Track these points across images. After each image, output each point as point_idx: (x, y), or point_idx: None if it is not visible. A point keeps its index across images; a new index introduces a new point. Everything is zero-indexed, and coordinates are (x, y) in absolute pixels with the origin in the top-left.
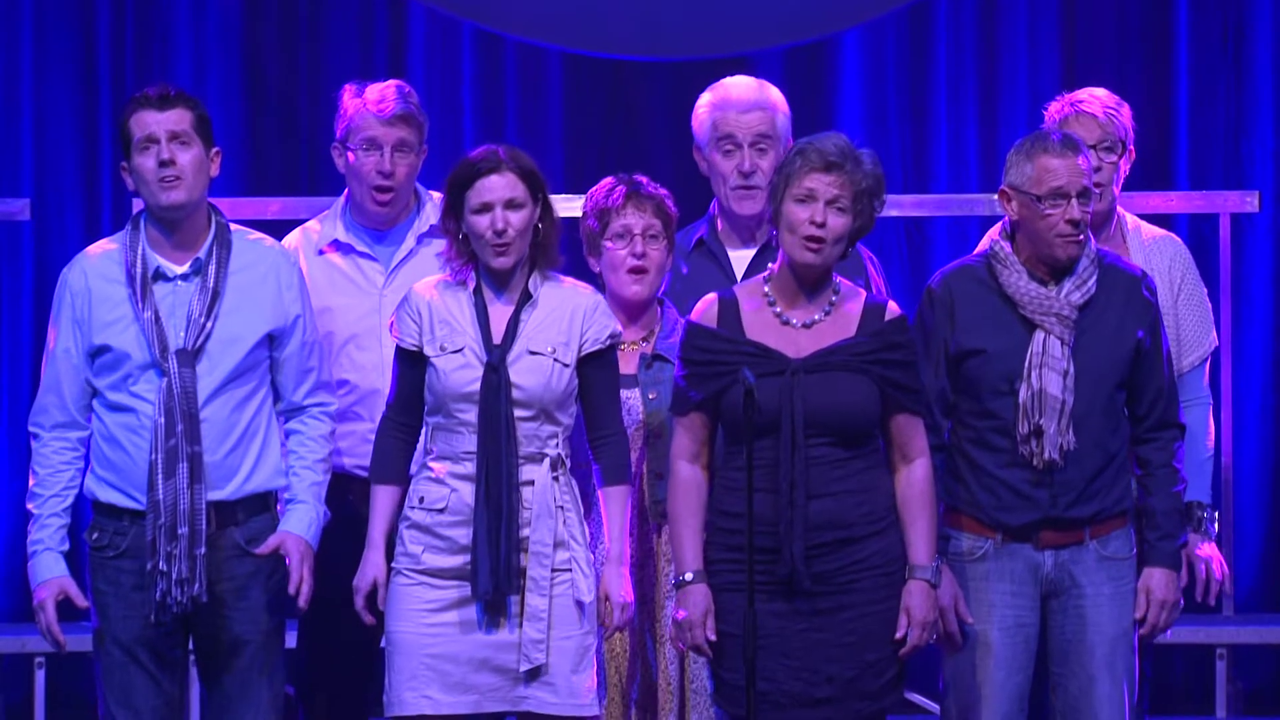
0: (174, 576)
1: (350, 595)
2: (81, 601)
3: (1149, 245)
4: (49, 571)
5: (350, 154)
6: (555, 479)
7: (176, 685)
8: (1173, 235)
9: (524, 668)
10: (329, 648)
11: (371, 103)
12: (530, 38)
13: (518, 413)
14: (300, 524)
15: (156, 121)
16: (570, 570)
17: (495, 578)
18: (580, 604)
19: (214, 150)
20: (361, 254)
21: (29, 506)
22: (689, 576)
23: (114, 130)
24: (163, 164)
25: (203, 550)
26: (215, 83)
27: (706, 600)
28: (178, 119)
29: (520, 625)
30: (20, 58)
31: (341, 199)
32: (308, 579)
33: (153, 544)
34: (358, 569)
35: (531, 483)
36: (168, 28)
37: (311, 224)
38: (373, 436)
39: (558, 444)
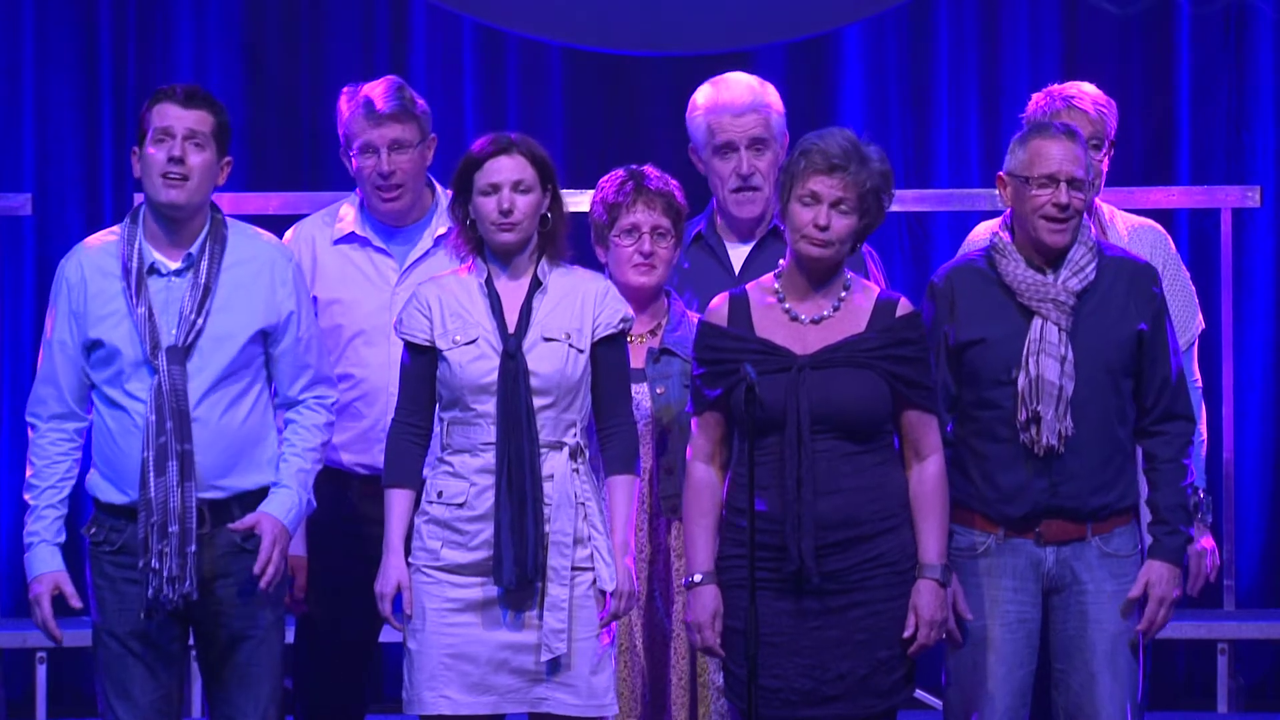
0: (165, 574)
1: (349, 593)
2: (75, 601)
3: (1128, 234)
4: (44, 565)
5: (353, 159)
6: (575, 470)
7: (175, 678)
8: (1154, 224)
9: (545, 658)
10: (327, 643)
11: (361, 105)
12: (531, 33)
13: (536, 401)
14: (280, 507)
15: (178, 117)
16: (591, 568)
17: (520, 567)
18: (603, 595)
19: (226, 159)
20: (378, 249)
21: (26, 497)
22: (698, 578)
23: (115, 125)
24: (172, 160)
25: (194, 548)
26: (216, 77)
27: (715, 602)
28: (198, 120)
29: (540, 619)
30: (22, 53)
31: (359, 191)
32: (275, 561)
33: (145, 541)
34: (378, 573)
35: (552, 477)
36: (169, 22)
37: (320, 215)
38: (374, 434)
39: (575, 433)
